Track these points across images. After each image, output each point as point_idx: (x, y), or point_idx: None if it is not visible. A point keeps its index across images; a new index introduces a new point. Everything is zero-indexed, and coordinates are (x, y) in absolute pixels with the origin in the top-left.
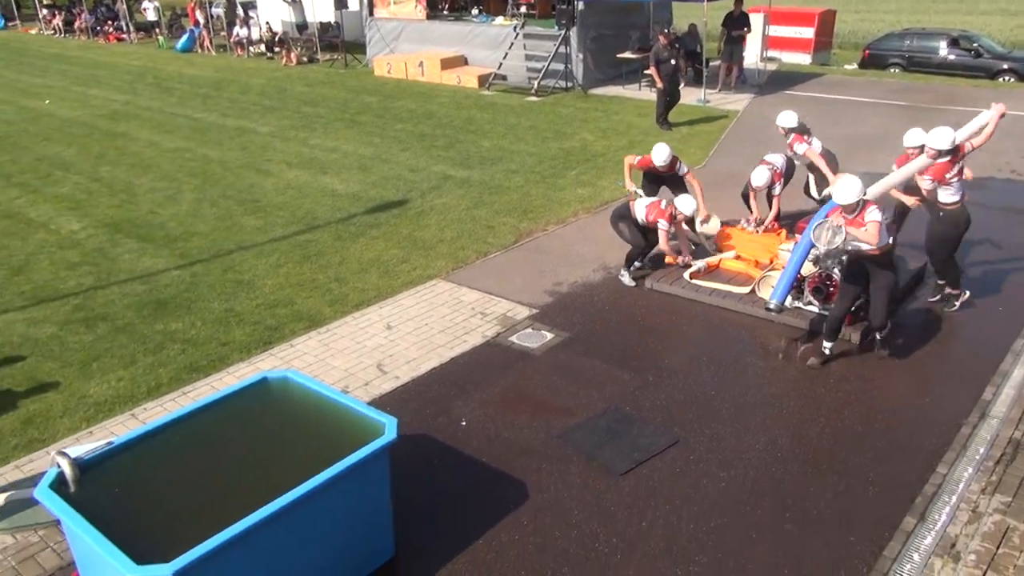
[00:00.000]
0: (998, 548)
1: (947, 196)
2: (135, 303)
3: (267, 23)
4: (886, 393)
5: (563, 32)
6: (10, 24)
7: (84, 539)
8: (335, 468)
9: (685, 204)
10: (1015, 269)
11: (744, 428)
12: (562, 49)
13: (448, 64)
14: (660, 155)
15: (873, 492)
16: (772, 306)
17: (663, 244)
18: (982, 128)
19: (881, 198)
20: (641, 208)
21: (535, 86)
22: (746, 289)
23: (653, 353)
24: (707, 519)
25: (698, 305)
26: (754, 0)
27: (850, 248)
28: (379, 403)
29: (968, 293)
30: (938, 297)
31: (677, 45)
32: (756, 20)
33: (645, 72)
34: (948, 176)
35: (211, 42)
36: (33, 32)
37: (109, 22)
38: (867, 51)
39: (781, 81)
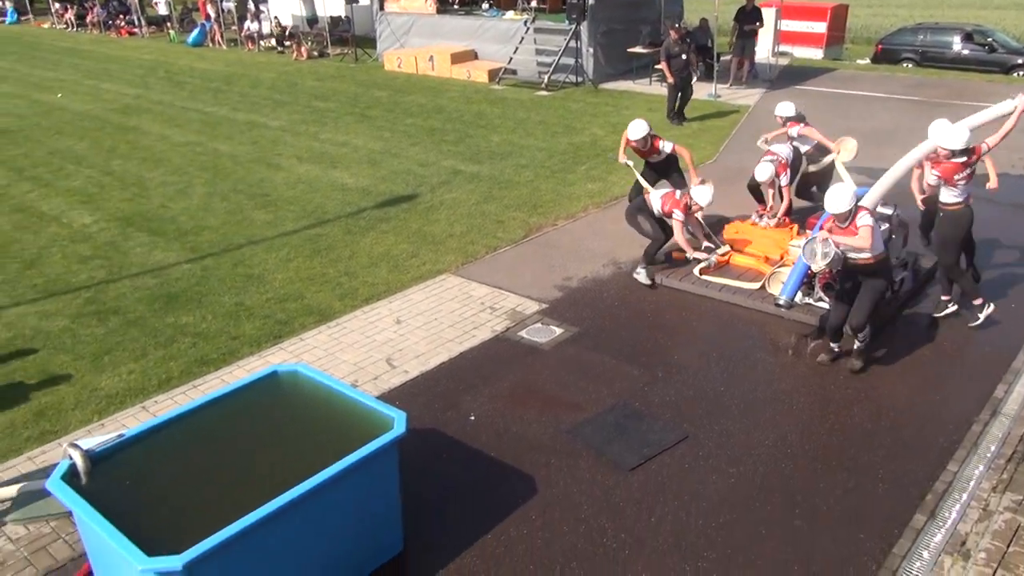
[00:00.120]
0: (1009, 546)
1: (949, 196)
2: (146, 296)
3: (277, 17)
4: (897, 390)
5: (574, 26)
6: (23, 18)
7: (96, 530)
8: (344, 462)
9: (701, 195)
10: None
11: (753, 424)
12: (572, 43)
13: (458, 59)
14: (635, 130)
15: (883, 489)
16: (782, 302)
17: (678, 235)
18: (1002, 122)
19: (886, 195)
20: (656, 199)
21: (545, 81)
22: (756, 285)
23: (662, 349)
24: (716, 515)
25: (708, 301)
26: None
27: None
28: (388, 397)
29: (993, 306)
30: (944, 313)
31: (688, 40)
32: (768, 15)
33: (656, 67)
34: (956, 177)
35: (222, 36)
36: (46, 26)
37: (121, 16)
38: (880, 46)
39: (793, 76)
